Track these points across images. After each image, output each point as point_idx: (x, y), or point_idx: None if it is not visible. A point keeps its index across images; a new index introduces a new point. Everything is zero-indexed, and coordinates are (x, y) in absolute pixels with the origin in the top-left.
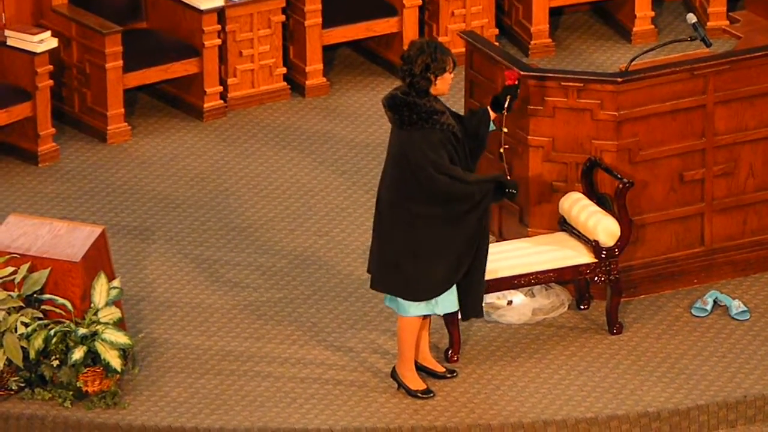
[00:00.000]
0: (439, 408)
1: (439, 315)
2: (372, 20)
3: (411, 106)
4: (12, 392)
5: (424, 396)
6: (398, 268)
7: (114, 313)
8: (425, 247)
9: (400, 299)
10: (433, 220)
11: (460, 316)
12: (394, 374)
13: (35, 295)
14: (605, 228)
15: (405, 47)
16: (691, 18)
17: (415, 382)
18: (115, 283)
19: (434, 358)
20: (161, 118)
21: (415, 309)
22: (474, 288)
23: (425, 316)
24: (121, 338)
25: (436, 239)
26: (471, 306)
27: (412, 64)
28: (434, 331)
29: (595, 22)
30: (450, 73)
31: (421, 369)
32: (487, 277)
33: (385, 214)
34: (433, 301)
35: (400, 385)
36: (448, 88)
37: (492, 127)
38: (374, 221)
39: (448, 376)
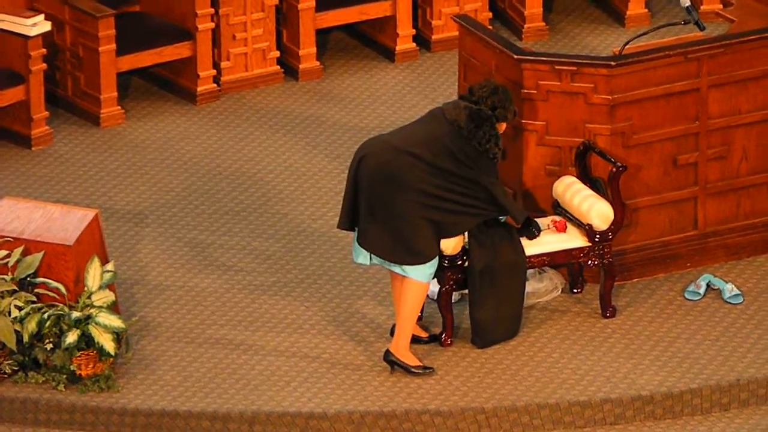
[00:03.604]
0: (432, 391)
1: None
2: (365, 4)
3: (492, 131)
4: (5, 376)
5: (425, 372)
6: (405, 237)
7: (108, 296)
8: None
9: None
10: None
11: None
12: (388, 357)
13: (29, 279)
14: (599, 212)
15: (398, 30)
16: (685, 1)
17: (414, 360)
18: (109, 266)
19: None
20: (154, 101)
21: (423, 274)
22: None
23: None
24: (114, 322)
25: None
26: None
27: (482, 100)
28: (428, 315)
29: (588, 6)
30: (506, 124)
31: None
32: None
33: (381, 180)
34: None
35: (397, 365)
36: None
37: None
38: (359, 179)
39: (432, 341)
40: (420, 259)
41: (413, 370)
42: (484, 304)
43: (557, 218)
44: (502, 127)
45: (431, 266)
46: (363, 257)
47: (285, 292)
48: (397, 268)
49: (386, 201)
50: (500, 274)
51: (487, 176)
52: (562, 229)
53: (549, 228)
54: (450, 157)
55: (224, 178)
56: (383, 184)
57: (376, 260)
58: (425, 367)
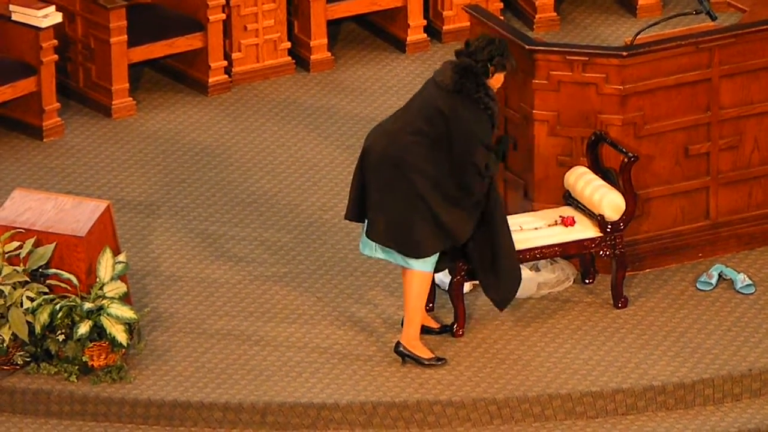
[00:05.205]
0: (444, 381)
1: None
2: None
3: (479, 80)
4: (18, 367)
5: (438, 363)
6: (397, 223)
7: (119, 287)
8: (425, 208)
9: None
10: (447, 187)
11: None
12: (398, 348)
13: (41, 270)
14: (610, 202)
15: (409, 20)
16: None
17: (426, 351)
18: (121, 257)
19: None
20: (166, 92)
21: (424, 263)
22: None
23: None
24: (126, 313)
25: (445, 201)
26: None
27: (479, 51)
28: (440, 306)
29: None
30: (505, 74)
31: None
32: None
33: (386, 166)
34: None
35: (409, 357)
36: (496, 89)
37: None
38: (366, 172)
39: (444, 332)
40: (420, 252)
41: (425, 361)
42: (485, 263)
43: (565, 215)
44: (500, 78)
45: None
46: (369, 249)
47: (297, 283)
48: (400, 260)
49: (391, 188)
50: (493, 225)
51: (480, 137)
52: (570, 224)
53: (557, 223)
54: (440, 117)
55: (236, 169)
56: (386, 171)
57: (380, 254)
58: (437, 358)
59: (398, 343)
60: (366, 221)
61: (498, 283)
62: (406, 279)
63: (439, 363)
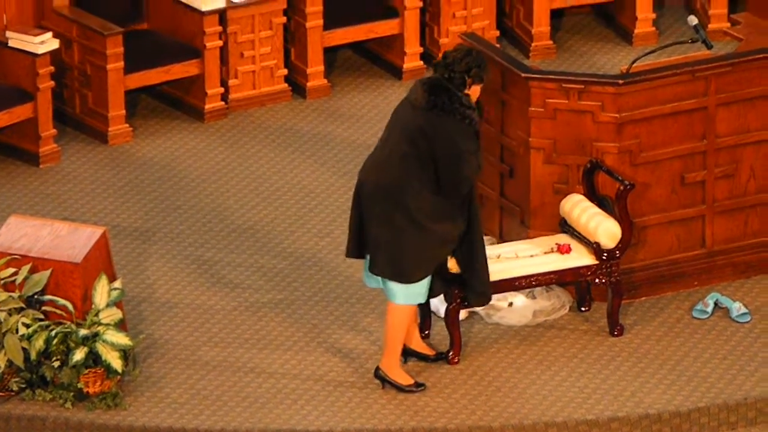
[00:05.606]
0: (440, 409)
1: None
2: (373, 22)
3: (451, 93)
4: (13, 393)
5: (417, 390)
6: (390, 250)
7: (115, 314)
8: (420, 230)
9: (391, 286)
10: (433, 207)
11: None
12: (377, 373)
13: (36, 296)
14: (606, 230)
15: (405, 48)
16: (692, 20)
17: (405, 377)
18: (117, 284)
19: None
20: (162, 119)
21: (409, 296)
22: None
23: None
24: (122, 339)
25: (432, 225)
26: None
27: (456, 62)
28: (435, 333)
29: (596, 24)
30: (481, 86)
31: (411, 354)
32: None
33: (379, 196)
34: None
35: (387, 383)
36: (474, 100)
37: None
38: (362, 206)
39: (439, 359)
40: (415, 276)
41: (404, 388)
42: (466, 261)
43: (561, 243)
44: (477, 90)
45: (417, 287)
46: (375, 281)
47: (292, 310)
48: (387, 292)
49: (387, 218)
50: (474, 226)
51: (463, 148)
52: (566, 252)
53: (553, 251)
54: (422, 136)
55: (231, 196)
56: (381, 201)
57: (374, 283)
58: (417, 384)
59: (378, 368)
60: (368, 256)
61: (478, 280)
62: (389, 309)
63: (418, 389)
